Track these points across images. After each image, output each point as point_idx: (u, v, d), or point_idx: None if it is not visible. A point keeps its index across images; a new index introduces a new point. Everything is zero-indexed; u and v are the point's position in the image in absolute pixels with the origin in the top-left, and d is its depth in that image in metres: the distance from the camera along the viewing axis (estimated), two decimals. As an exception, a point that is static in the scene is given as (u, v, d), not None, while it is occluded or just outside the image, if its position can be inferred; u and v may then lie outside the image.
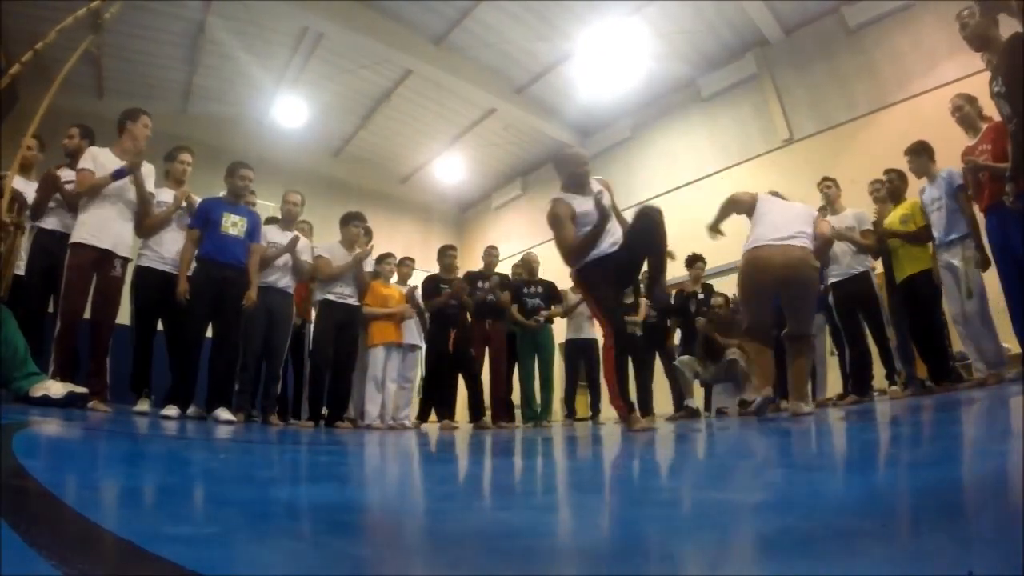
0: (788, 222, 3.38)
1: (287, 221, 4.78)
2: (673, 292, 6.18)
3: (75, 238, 3.46)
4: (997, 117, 3.17)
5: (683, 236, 8.03)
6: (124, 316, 3.88)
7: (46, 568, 0.45)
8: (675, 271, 6.86)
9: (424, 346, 5.59)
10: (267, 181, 6.95)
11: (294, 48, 8.36)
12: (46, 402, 2.77)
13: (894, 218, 4.39)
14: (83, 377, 3.40)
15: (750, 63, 8.15)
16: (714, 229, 3.68)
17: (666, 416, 5.59)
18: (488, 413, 5.81)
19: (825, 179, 4.89)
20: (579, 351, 6.07)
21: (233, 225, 3.94)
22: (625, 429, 3.04)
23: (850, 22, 7.21)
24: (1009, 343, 4.10)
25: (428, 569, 0.57)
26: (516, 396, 6.16)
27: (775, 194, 3.79)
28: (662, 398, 6.01)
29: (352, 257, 4.83)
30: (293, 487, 1.29)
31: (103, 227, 3.51)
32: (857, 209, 4.73)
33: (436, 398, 5.64)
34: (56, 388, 2.86)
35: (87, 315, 3.52)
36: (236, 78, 8.73)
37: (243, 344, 4.12)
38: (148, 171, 3.76)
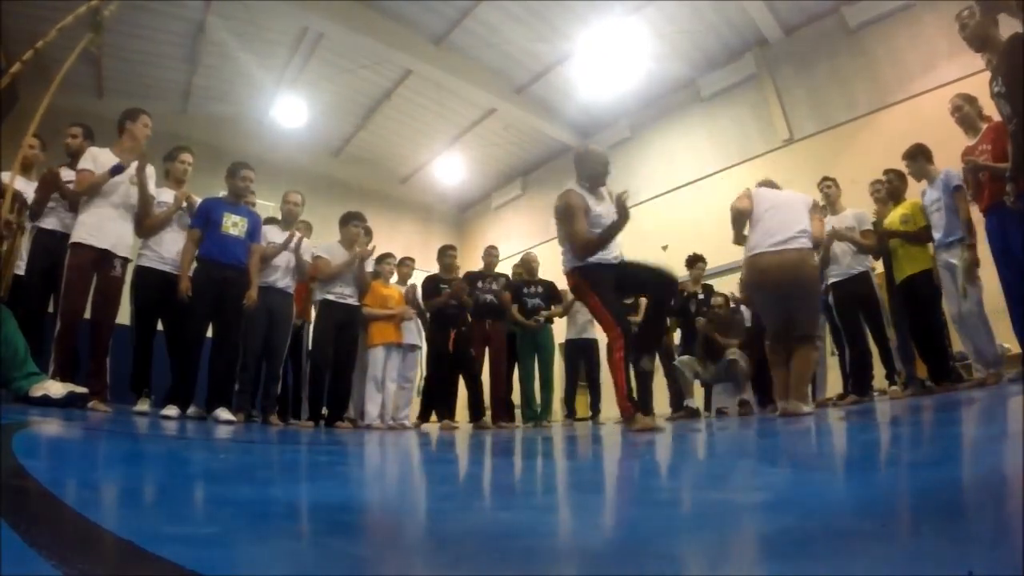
0: (784, 223, 3.37)
1: (287, 221, 4.78)
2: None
3: (75, 238, 3.46)
4: (997, 117, 3.17)
5: (683, 236, 8.12)
6: (124, 316, 3.88)
7: (46, 568, 0.45)
8: (676, 271, 6.89)
9: (424, 346, 5.59)
10: (267, 181, 6.94)
11: (294, 48, 8.36)
12: (46, 402, 2.77)
13: (894, 218, 4.40)
14: (83, 377, 3.41)
15: (750, 63, 8.15)
16: (739, 242, 3.67)
17: (666, 416, 5.59)
18: (488, 413, 5.81)
19: (825, 179, 4.89)
20: (579, 351, 6.07)
21: (234, 225, 3.94)
22: (626, 429, 3.04)
23: (850, 22, 7.21)
24: (1009, 343, 4.11)
25: (428, 569, 0.57)
26: (516, 396, 6.16)
27: (769, 183, 3.78)
28: (661, 398, 6.00)
29: (349, 256, 4.82)
30: (293, 487, 1.29)
31: (103, 227, 3.51)
32: (857, 209, 4.73)
33: (436, 398, 5.64)
34: (56, 388, 2.86)
35: (87, 315, 3.52)
36: (236, 78, 8.73)
37: (243, 344, 4.12)
38: (148, 172, 3.76)
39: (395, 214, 11.47)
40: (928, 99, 6.44)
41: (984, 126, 3.65)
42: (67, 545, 0.55)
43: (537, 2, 7.47)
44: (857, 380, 4.49)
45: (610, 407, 5.66)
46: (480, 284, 5.86)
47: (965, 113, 3.78)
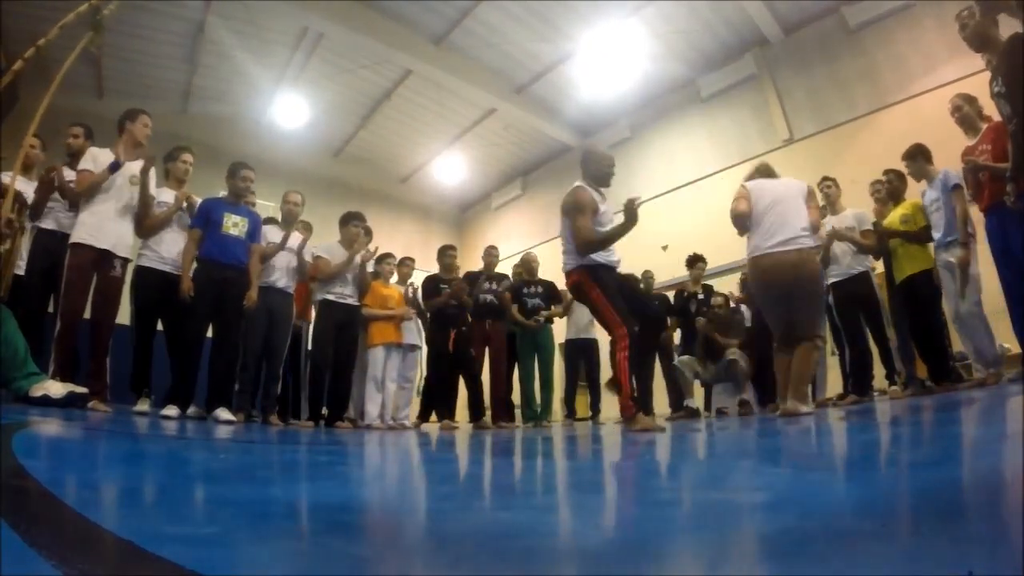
0: (784, 223, 3.35)
1: (287, 221, 4.78)
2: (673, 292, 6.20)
3: (75, 238, 3.46)
4: (997, 117, 3.17)
5: (683, 236, 8.12)
6: (124, 316, 3.88)
7: (46, 568, 0.45)
8: (676, 271, 6.90)
9: (424, 346, 5.59)
10: (267, 181, 6.95)
11: (294, 48, 8.36)
12: (46, 402, 2.77)
13: (894, 218, 4.40)
14: (83, 377, 3.40)
15: (749, 63, 8.15)
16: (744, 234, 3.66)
17: (666, 416, 5.59)
18: (488, 413, 5.81)
19: (825, 179, 4.88)
20: (579, 351, 6.07)
21: (234, 225, 3.95)
22: (626, 429, 3.04)
23: (850, 22, 7.21)
24: (1009, 343, 4.11)
25: (428, 569, 0.57)
26: (516, 396, 6.16)
27: (764, 170, 3.77)
28: (661, 398, 6.01)
29: (348, 254, 4.82)
30: (293, 487, 1.28)
31: (103, 227, 3.51)
32: (857, 209, 4.73)
33: (436, 398, 5.64)
34: (56, 388, 2.86)
35: (87, 315, 3.52)
36: (236, 78, 8.73)
37: (243, 344, 4.12)
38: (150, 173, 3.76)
39: (395, 214, 11.48)
40: (928, 99, 6.45)
41: (984, 126, 3.65)
42: (67, 545, 0.55)
43: (537, 2, 7.47)
44: (857, 380, 4.49)
45: (610, 407, 5.66)
46: (480, 284, 5.86)
47: (965, 113, 3.78)
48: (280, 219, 4.86)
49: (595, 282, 3.09)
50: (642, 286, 6.16)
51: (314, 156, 10.60)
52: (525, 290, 5.98)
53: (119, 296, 3.67)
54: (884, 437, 2.07)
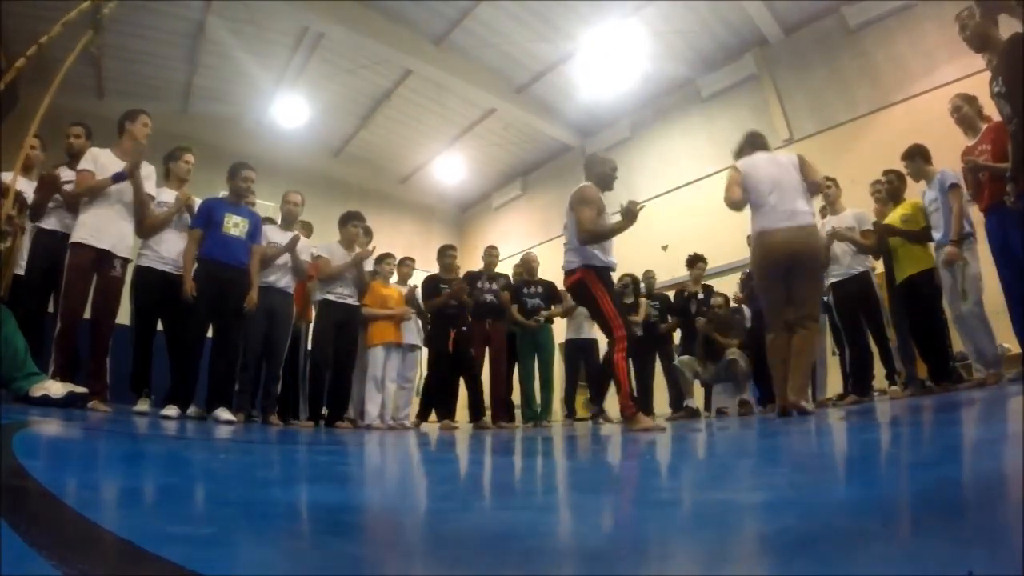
0: (786, 206, 3.34)
1: (287, 221, 4.78)
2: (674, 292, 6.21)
3: (75, 238, 3.46)
4: (997, 117, 3.17)
5: (683, 236, 8.12)
6: (124, 316, 3.88)
7: (46, 568, 0.45)
8: (676, 271, 6.90)
9: (424, 346, 5.59)
10: (267, 181, 6.94)
11: (294, 48, 8.36)
12: (46, 402, 2.77)
13: (894, 218, 4.39)
14: (83, 377, 3.41)
15: (749, 63, 8.15)
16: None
17: (666, 416, 5.59)
18: (488, 413, 5.81)
19: (825, 179, 4.87)
20: (579, 351, 6.07)
21: (235, 226, 3.94)
22: (626, 429, 3.04)
23: (850, 22, 7.21)
24: (1009, 343, 4.11)
25: (428, 569, 0.57)
26: (516, 396, 6.16)
27: (754, 140, 3.77)
28: (661, 398, 6.01)
29: (351, 257, 4.83)
30: (293, 487, 1.28)
31: (103, 227, 3.51)
32: (857, 209, 4.73)
33: (436, 398, 5.64)
34: (56, 388, 2.86)
35: (87, 315, 3.52)
36: (236, 78, 8.73)
37: (243, 344, 4.12)
38: (148, 172, 3.76)
39: (395, 214, 11.47)
40: (928, 99, 6.45)
41: (984, 126, 3.66)
42: (67, 545, 0.55)
43: (537, 2, 7.47)
44: (857, 380, 4.49)
45: (610, 407, 5.66)
46: (480, 284, 5.86)
47: (965, 113, 3.78)
48: (280, 219, 4.86)
49: (601, 282, 3.19)
50: (643, 287, 6.19)
51: (314, 156, 10.60)
52: (525, 290, 5.98)
53: (119, 296, 3.67)
54: (884, 437, 2.07)
